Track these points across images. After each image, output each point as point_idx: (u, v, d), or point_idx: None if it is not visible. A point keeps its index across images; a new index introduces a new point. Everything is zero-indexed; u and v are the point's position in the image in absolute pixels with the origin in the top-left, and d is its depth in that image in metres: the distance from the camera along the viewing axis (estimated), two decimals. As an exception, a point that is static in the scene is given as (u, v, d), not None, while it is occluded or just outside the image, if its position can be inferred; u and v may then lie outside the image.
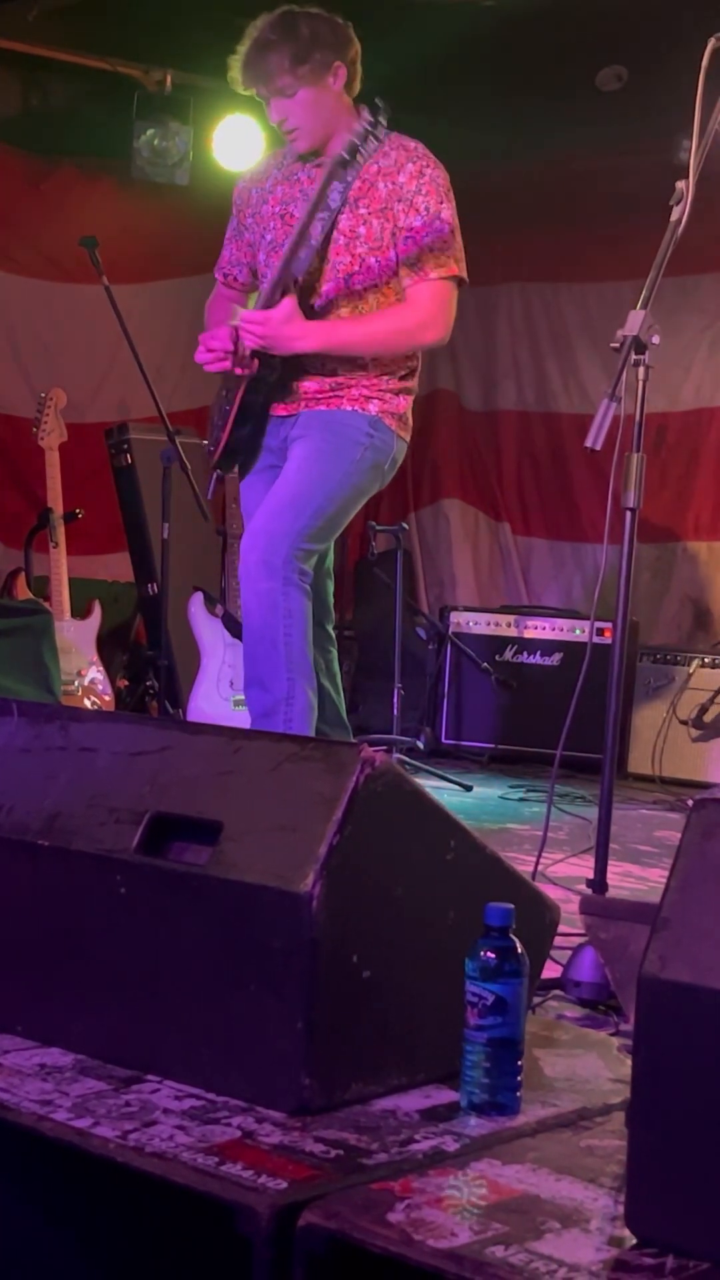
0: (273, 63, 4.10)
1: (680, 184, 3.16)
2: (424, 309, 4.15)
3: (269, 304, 4.11)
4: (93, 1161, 1.90)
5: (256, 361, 4.15)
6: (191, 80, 6.88)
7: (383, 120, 3.95)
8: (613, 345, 3.13)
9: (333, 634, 4.45)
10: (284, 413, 4.24)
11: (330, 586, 4.41)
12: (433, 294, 4.14)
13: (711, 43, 3.17)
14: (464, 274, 4.17)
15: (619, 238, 6.56)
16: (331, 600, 4.44)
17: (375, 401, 4.19)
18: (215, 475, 4.45)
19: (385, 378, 4.21)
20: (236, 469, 4.40)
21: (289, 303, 4.07)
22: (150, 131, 6.85)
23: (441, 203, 4.11)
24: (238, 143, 6.74)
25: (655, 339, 3.13)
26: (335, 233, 4.12)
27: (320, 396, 4.19)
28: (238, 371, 4.17)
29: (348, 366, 4.17)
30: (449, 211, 4.12)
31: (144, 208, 7.13)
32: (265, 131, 6.56)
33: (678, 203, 3.15)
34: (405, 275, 4.14)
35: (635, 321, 3.10)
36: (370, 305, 4.16)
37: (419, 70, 5.72)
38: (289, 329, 4.07)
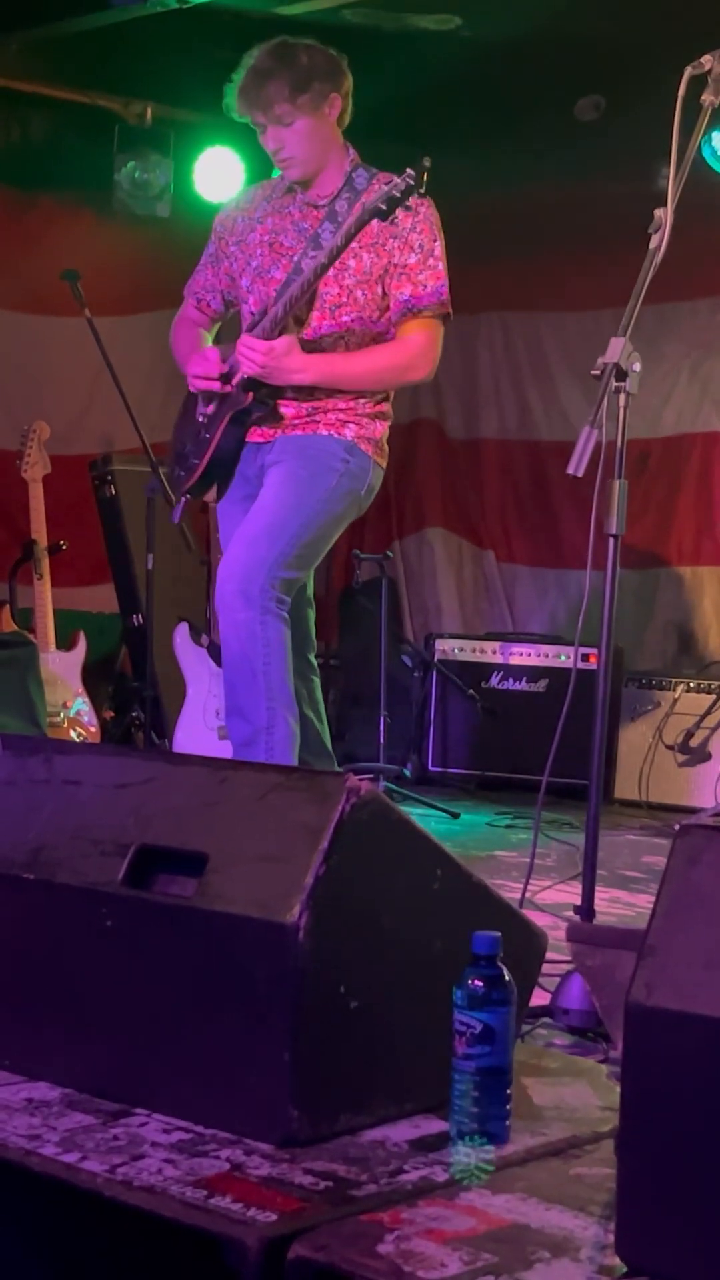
0: (271, 90, 4.10)
1: (659, 212, 3.17)
2: (416, 347, 4.19)
3: (268, 336, 4.12)
4: (81, 1195, 1.89)
5: (250, 395, 4.17)
6: (172, 113, 6.91)
7: (424, 179, 3.96)
8: (593, 373, 3.14)
9: (315, 663, 4.44)
10: (260, 439, 4.26)
11: (311, 615, 4.41)
12: (424, 332, 4.19)
13: (688, 71, 3.19)
14: (450, 310, 4.22)
15: (598, 266, 6.57)
16: (313, 629, 4.44)
17: (351, 426, 4.21)
18: (185, 500, 4.46)
19: (361, 400, 4.22)
20: (214, 493, 4.42)
21: (290, 337, 4.11)
22: (131, 164, 6.87)
23: (435, 240, 4.16)
24: (218, 174, 6.77)
25: (636, 366, 3.14)
26: None
27: (296, 422, 4.21)
28: (225, 389, 4.20)
29: (325, 389, 4.19)
30: (440, 249, 4.17)
31: (125, 240, 7.14)
32: (245, 163, 6.60)
33: (656, 230, 3.17)
34: (398, 311, 4.17)
35: (616, 349, 3.12)
36: (357, 339, 4.19)
37: (398, 100, 5.75)
38: (289, 361, 4.11)
